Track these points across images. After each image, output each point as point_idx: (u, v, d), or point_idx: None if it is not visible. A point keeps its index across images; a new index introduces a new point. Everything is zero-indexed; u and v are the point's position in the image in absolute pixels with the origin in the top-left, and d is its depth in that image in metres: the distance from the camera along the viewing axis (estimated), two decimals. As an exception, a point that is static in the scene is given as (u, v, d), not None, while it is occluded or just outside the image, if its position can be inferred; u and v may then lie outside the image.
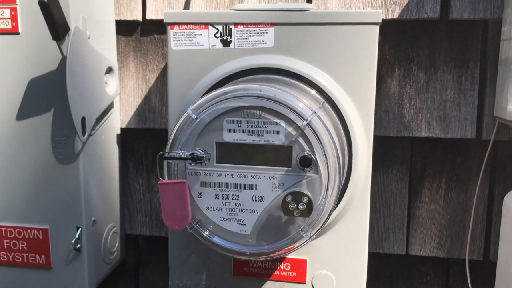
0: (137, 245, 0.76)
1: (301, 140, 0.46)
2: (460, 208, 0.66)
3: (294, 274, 0.59)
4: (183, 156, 0.46)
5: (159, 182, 0.46)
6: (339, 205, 0.56)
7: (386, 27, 0.64)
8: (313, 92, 0.55)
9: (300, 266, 0.58)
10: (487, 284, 0.67)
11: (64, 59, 0.58)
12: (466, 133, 0.64)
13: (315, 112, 0.45)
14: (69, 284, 0.65)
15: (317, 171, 0.46)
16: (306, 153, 0.45)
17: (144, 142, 0.73)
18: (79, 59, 0.59)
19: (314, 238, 0.54)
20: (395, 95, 0.66)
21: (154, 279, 0.76)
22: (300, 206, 0.45)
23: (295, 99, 0.46)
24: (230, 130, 0.48)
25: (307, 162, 0.45)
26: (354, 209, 0.57)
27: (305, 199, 0.45)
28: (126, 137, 0.73)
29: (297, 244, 0.47)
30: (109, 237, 0.70)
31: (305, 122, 0.45)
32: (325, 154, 0.45)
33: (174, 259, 0.61)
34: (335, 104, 0.54)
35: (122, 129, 0.73)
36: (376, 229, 0.69)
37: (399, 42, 0.65)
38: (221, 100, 0.47)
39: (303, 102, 0.45)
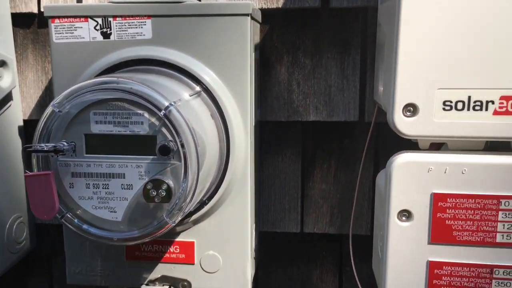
0: (48, 234, 0.78)
1: (164, 130, 0.49)
2: (349, 187, 0.70)
3: (183, 256, 0.61)
4: (45, 148, 0.48)
5: (25, 174, 0.48)
6: (220, 189, 0.59)
7: (274, 16, 0.67)
8: (190, 82, 0.57)
9: (188, 248, 0.61)
10: (377, 257, 0.72)
11: None
12: (350, 116, 0.68)
13: (172, 104, 0.47)
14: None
15: (180, 159, 0.49)
16: (165, 142, 0.48)
17: (47, 133, 0.74)
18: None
19: (188, 223, 0.58)
20: (284, 81, 0.68)
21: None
22: (161, 193, 0.48)
23: (153, 91, 0.47)
24: (97, 122, 0.50)
25: (165, 151, 0.48)
26: (236, 192, 0.60)
27: (164, 186, 0.48)
28: (29, 129, 0.74)
29: (163, 229, 0.49)
30: (14, 227, 0.71)
31: (162, 113, 0.47)
32: (182, 143, 0.47)
33: (69, 246, 0.63)
34: (212, 93, 0.57)
35: (24, 121, 0.74)
36: (272, 209, 0.72)
37: (286, 30, 0.67)
38: (83, 93, 0.48)
39: (161, 94, 0.47)
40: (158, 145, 0.48)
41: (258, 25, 0.66)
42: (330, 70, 0.67)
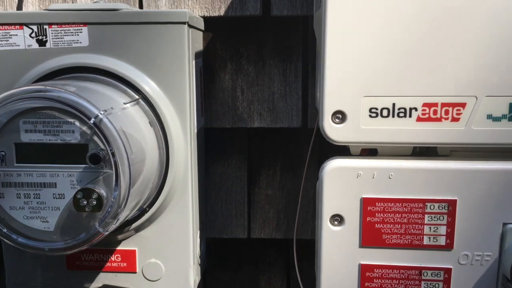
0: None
1: (95, 138, 0.48)
2: (294, 192, 0.71)
3: (125, 264, 0.61)
4: (-31, 159, 0.47)
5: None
6: (160, 197, 0.59)
7: (217, 24, 0.67)
8: (128, 89, 0.57)
9: (130, 257, 0.61)
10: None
11: None
12: (293, 122, 0.69)
13: (102, 112, 0.47)
14: None
15: (111, 168, 0.48)
16: (95, 151, 0.47)
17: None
18: None
19: (130, 231, 0.57)
20: (228, 88, 0.69)
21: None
22: (92, 202, 0.48)
23: (82, 99, 0.47)
24: (26, 131, 0.49)
25: (96, 159, 0.47)
26: (177, 199, 0.60)
27: (94, 195, 0.47)
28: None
29: (96, 238, 0.49)
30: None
31: (92, 121, 0.47)
32: (112, 152, 0.47)
33: (8, 256, 0.62)
34: (149, 101, 0.57)
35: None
36: (219, 216, 0.73)
37: (229, 38, 0.68)
38: (12, 101, 0.48)
39: (91, 102, 0.47)
40: (89, 154, 0.48)
41: (201, 33, 0.66)
42: (273, 77, 0.68)
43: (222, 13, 0.66)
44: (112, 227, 0.49)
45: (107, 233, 0.49)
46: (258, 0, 0.65)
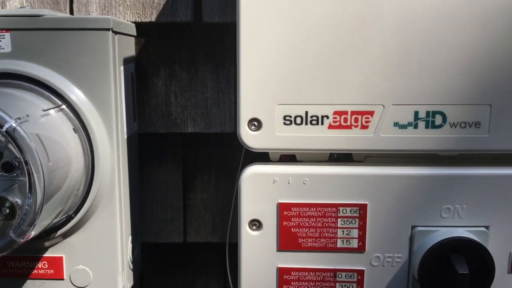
0: None
1: (10, 146, 0.48)
2: (229, 196, 0.72)
3: (52, 271, 0.61)
4: None
5: None
6: (86, 203, 0.59)
7: (149, 29, 0.68)
8: (52, 96, 0.57)
9: (57, 263, 0.61)
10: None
11: None
12: (226, 128, 0.70)
13: (16, 120, 0.47)
14: None
15: (25, 176, 0.48)
16: (8, 159, 0.47)
17: None
18: None
19: (56, 238, 0.57)
20: (162, 93, 0.69)
21: None
22: (5, 210, 0.47)
23: (-6, 107, 0.47)
24: None
25: (8, 168, 0.47)
26: (104, 205, 0.60)
27: (7, 203, 0.47)
28: None
29: (12, 247, 0.49)
30: None
31: (4, 129, 0.47)
32: (25, 160, 0.47)
33: None
34: (74, 107, 0.57)
35: None
36: (155, 220, 0.73)
37: (162, 43, 0.68)
38: None
39: (3, 110, 0.47)
40: (2, 162, 0.47)
41: (132, 38, 0.67)
42: (206, 83, 0.69)
43: (153, 19, 0.67)
44: (29, 235, 0.49)
45: (22, 241, 0.49)
46: (189, 7, 0.66)
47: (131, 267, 0.66)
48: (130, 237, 0.66)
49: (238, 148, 0.71)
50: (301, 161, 0.53)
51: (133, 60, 0.67)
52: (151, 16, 0.66)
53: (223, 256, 0.75)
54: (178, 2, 0.66)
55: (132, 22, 0.67)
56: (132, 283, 0.66)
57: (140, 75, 0.69)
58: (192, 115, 0.70)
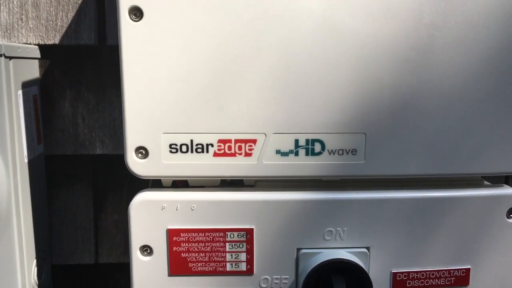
0: None
1: None
2: (141, 217, 0.73)
3: None
4: None
5: None
6: (-20, 231, 0.58)
7: (55, 52, 0.67)
8: None
9: (-49, 292, 0.59)
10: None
11: None
12: (135, 149, 0.70)
13: None
14: None
15: None
16: None
17: None
18: None
19: None
20: (68, 115, 0.69)
21: None
22: None
23: None
24: None
25: None
26: (0, 232, 0.59)
27: None
28: None
29: None
30: None
31: None
32: None
33: None
34: (-35, 133, 0.56)
35: None
36: (66, 242, 0.72)
37: (67, 65, 0.68)
38: None
39: None
40: None
41: (35, 61, 0.66)
42: (113, 104, 0.69)
43: (57, 41, 0.66)
44: None
45: None
46: (92, 30, 0.66)
47: (36, 292, 0.65)
48: (35, 261, 0.65)
49: (148, 169, 0.72)
50: (193, 187, 0.54)
51: (37, 83, 0.66)
52: (54, 39, 0.66)
53: (137, 276, 0.76)
54: (82, 25, 0.66)
55: (35, 44, 0.66)
56: (37, 307, 0.66)
57: (46, 97, 0.68)
58: (100, 136, 0.70)
